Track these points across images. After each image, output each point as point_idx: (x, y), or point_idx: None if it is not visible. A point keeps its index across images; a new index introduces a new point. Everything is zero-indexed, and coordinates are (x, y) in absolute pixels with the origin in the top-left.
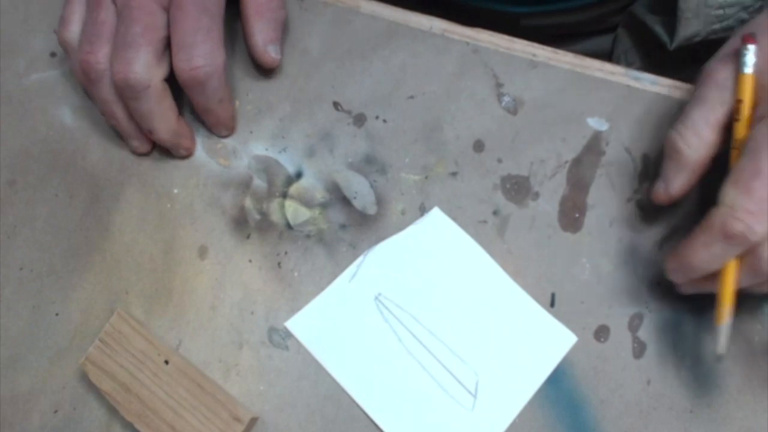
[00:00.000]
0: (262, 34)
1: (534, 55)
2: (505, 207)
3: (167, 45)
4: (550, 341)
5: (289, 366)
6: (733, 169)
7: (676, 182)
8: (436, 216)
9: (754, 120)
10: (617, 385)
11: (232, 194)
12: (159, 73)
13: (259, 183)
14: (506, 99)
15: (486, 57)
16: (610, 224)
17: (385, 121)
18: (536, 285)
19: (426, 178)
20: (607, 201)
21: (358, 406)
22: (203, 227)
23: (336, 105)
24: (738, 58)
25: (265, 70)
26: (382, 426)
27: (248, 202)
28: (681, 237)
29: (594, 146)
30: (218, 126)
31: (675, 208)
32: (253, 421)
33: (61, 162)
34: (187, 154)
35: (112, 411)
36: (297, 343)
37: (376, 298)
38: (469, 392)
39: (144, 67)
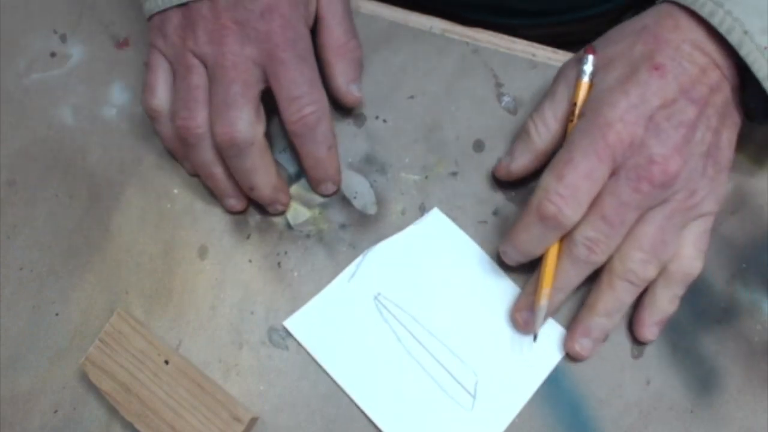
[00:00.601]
0: (344, 76)
1: (534, 55)
2: (505, 207)
3: (263, 99)
4: (548, 342)
5: (289, 366)
6: (553, 159)
7: (520, 161)
8: (435, 216)
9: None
10: (617, 385)
11: None
12: (260, 128)
13: None
14: (506, 99)
15: (486, 57)
16: None
17: (385, 121)
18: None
19: (426, 178)
20: None
21: (356, 406)
22: (203, 227)
23: (336, 105)
24: (580, 66)
25: None
26: (381, 426)
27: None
28: None
29: None
30: (326, 179)
31: None
32: (253, 421)
33: (61, 162)
34: (283, 210)
35: (112, 411)
36: (297, 343)
37: (376, 297)
38: (469, 392)
39: (247, 125)
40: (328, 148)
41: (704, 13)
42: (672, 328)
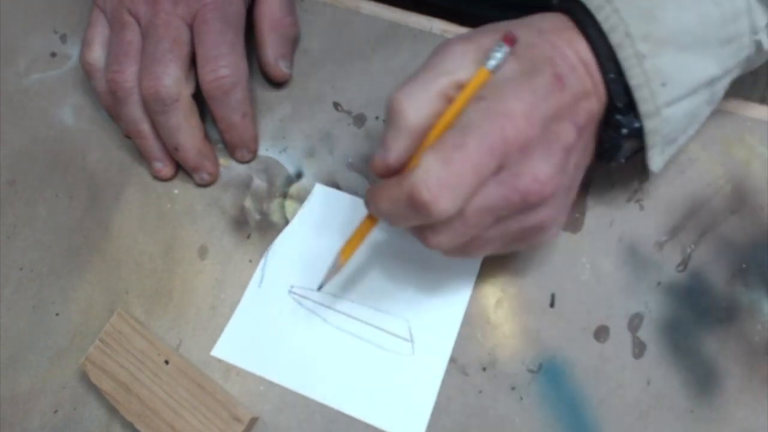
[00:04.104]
0: (273, 49)
1: None
2: None
3: (193, 61)
4: (462, 262)
5: None
6: (438, 139)
7: (395, 149)
8: (319, 191)
9: (468, 100)
10: (617, 385)
11: (232, 194)
12: (187, 87)
13: (259, 183)
14: None
15: None
16: (610, 224)
17: (385, 121)
18: (536, 285)
19: None
20: (607, 201)
21: (315, 401)
22: (203, 227)
23: (336, 105)
24: (488, 50)
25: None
26: (344, 410)
27: (248, 202)
28: (681, 237)
29: None
30: (240, 146)
31: (675, 209)
32: (253, 421)
33: (61, 162)
34: (210, 180)
35: (112, 411)
36: None
37: (290, 291)
38: (406, 340)
39: (173, 81)
40: (243, 115)
41: (592, 6)
42: (672, 328)
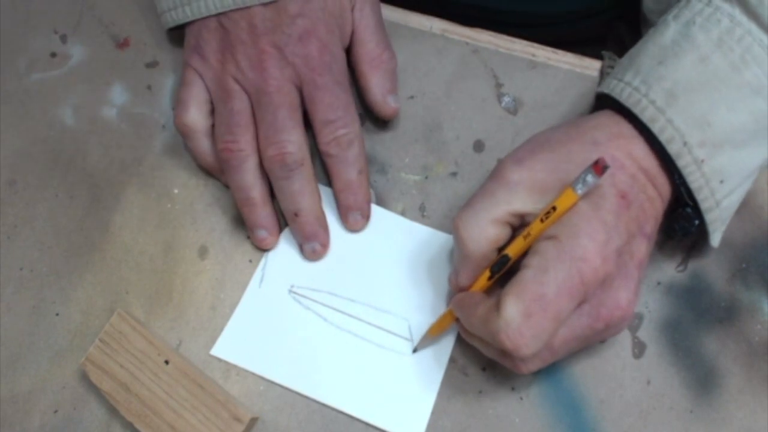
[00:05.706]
0: (380, 87)
1: (534, 55)
2: None
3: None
4: None
5: None
6: (519, 280)
7: (463, 274)
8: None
9: (542, 234)
10: (617, 385)
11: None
12: (308, 149)
13: None
14: (506, 99)
15: (486, 57)
16: None
17: (385, 121)
18: None
19: (426, 178)
20: None
21: (315, 401)
22: (203, 227)
23: None
24: (580, 175)
25: None
26: (344, 409)
27: None
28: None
29: None
30: (354, 208)
31: None
32: (253, 421)
33: (61, 162)
34: (322, 252)
35: (112, 411)
36: None
37: (290, 291)
38: (405, 338)
39: (297, 147)
40: (359, 171)
41: (645, 118)
42: (672, 327)
